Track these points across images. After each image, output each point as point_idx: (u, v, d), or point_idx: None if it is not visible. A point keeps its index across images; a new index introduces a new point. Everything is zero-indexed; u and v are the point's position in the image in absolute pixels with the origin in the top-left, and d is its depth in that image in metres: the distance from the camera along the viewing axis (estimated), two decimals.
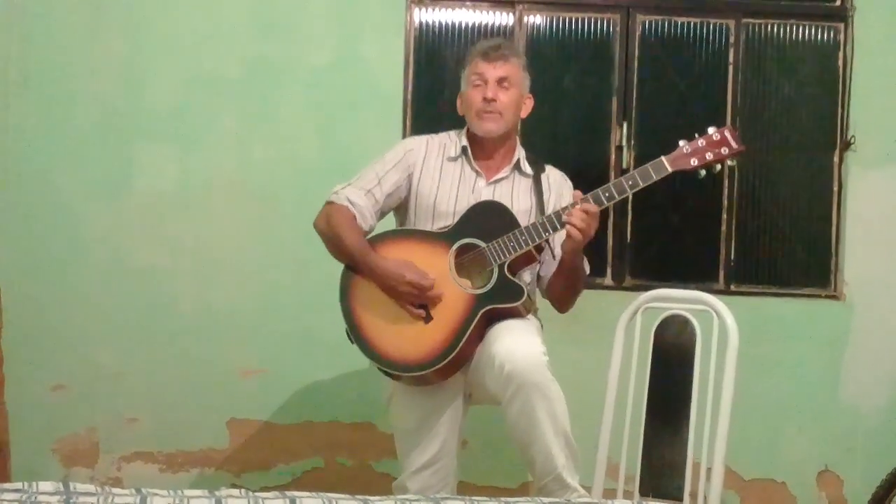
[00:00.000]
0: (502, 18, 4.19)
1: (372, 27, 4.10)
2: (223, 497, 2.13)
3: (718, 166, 3.04)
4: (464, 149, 3.23)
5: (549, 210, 3.18)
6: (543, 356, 2.93)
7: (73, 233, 4.01)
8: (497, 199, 3.17)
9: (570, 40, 4.22)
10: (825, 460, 4.17)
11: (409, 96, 4.14)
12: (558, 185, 3.28)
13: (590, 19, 4.21)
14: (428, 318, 3.03)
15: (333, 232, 3.13)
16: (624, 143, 4.16)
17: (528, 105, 3.29)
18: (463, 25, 4.18)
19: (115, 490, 2.14)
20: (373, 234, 3.19)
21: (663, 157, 3.02)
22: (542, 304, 3.29)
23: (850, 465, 4.16)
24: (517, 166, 3.24)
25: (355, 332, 3.09)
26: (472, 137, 3.24)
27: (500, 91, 3.17)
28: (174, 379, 4.02)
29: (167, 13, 4.04)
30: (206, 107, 4.05)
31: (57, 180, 4.01)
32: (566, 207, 3.01)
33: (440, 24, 4.19)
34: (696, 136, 3.04)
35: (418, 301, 3.04)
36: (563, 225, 2.99)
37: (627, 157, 4.14)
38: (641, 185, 3.01)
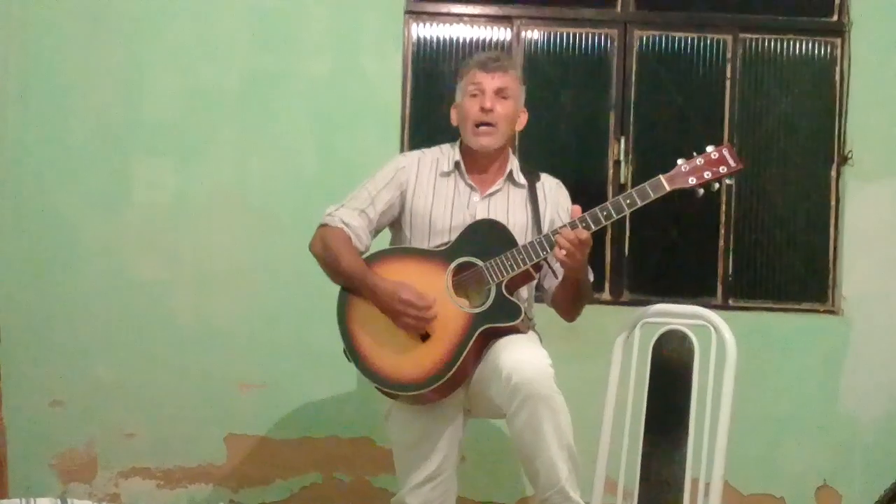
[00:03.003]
0: (500, 33, 4.20)
1: (370, 41, 4.10)
2: None
3: (717, 185, 3.03)
4: (457, 163, 3.22)
5: (545, 221, 3.18)
6: (550, 368, 2.93)
7: (70, 246, 4.01)
8: (492, 212, 3.16)
9: (567, 55, 4.23)
10: (824, 475, 4.16)
11: (408, 110, 4.15)
12: (554, 195, 3.26)
13: (587, 34, 4.22)
14: (425, 337, 3.02)
15: (330, 255, 3.12)
16: (622, 157, 4.16)
17: (522, 119, 3.27)
18: (460, 40, 4.19)
19: None
20: (369, 252, 3.17)
21: (661, 176, 3.00)
22: (541, 319, 3.29)
23: (848, 479, 4.15)
24: (510, 178, 3.23)
25: (353, 352, 3.08)
26: (465, 151, 3.23)
27: (497, 102, 3.16)
28: (172, 394, 4.01)
29: (166, 26, 4.05)
30: (205, 119, 4.06)
31: (55, 193, 4.01)
32: (563, 226, 2.99)
33: (438, 38, 4.19)
34: (695, 154, 3.03)
35: (416, 322, 3.02)
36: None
37: (625, 172, 4.15)
38: (640, 203, 2.99)
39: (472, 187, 3.20)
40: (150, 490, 3.99)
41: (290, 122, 4.08)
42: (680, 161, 3.02)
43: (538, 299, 3.30)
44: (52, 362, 3.98)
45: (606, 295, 4.17)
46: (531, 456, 2.95)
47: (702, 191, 3.03)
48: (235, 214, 4.05)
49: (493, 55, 3.28)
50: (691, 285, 4.20)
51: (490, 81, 3.16)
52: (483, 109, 3.14)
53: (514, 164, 3.26)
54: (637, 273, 4.21)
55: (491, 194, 3.20)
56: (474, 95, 3.17)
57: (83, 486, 3.99)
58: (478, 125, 3.16)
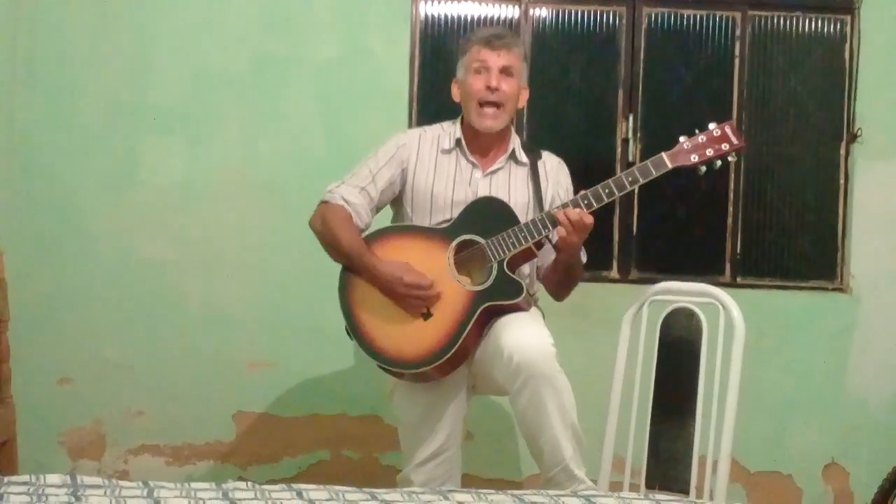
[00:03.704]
0: (508, 11, 4.19)
1: (377, 21, 4.10)
2: (230, 490, 2.13)
3: (719, 163, 3.02)
4: (458, 141, 3.20)
5: (547, 199, 3.17)
6: (552, 347, 2.93)
7: (79, 227, 4.02)
8: (494, 190, 3.15)
9: (575, 33, 4.21)
10: (831, 453, 4.17)
11: (416, 90, 4.14)
12: (555, 173, 3.25)
13: (595, 12, 4.20)
14: (427, 316, 3.02)
15: (330, 233, 3.12)
16: (630, 135, 4.16)
17: (524, 95, 3.26)
18: (469, 18, 4.18)
19: (122, 483, 2.15)
20: (371, 230, 3.17)
21: (663, 154, 3.00)
22: (544, 296, 3.29)
23: (856, 457, 4.16)
24: (512, 156, 3.21)
25: (355, 331, 3.08)
26: (467, 128, 3.21)
27: (502, 80, 3.13)
28: (181, 372, 4.03)
29: (173, 8, 4.04)
30: (213, 101, 4.06)
31: (64, 174, 4.01)
32: (564, 205, 3.00)
33: (446, 17, 4.18)
34: (697, 131, 3.02)
35: (418, 303, 3.02)
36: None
37: (633, 150, 4.14)
38: (641, 181, 2.99)
39: (473, 164, 3.19)
40: (158, 467, 4.01)
41: (298, 104, 4.08)
42: (682, 138, 3.02)
43: None
44: (61, 341, 4.00)
45: (614, 273, 4.17)
46: (535, 435, 2.96)
47: (704, 168, 3.02)
48: (243, 196, 4.06)
49: (498, 32, 3.25)
50: (699, 263, 4.20)
51: (496, 59, 3.14)
52: (489, 88, 3.12)
53: (515, 141, 3.24)
54: (645, 251, 4.21)
55: (493, 172, 3.19)
56: (479, 72, 3.15)
57: (92, 463, 4.02)
58: (482, 105, 3.15)
